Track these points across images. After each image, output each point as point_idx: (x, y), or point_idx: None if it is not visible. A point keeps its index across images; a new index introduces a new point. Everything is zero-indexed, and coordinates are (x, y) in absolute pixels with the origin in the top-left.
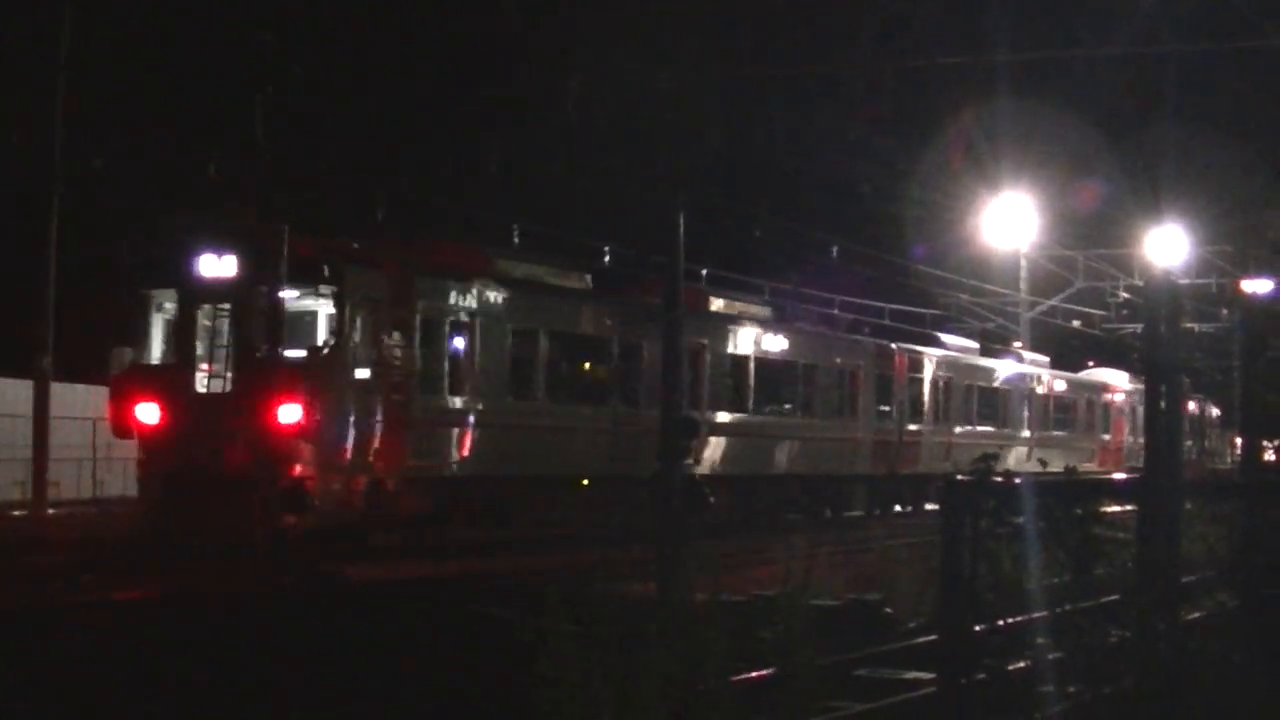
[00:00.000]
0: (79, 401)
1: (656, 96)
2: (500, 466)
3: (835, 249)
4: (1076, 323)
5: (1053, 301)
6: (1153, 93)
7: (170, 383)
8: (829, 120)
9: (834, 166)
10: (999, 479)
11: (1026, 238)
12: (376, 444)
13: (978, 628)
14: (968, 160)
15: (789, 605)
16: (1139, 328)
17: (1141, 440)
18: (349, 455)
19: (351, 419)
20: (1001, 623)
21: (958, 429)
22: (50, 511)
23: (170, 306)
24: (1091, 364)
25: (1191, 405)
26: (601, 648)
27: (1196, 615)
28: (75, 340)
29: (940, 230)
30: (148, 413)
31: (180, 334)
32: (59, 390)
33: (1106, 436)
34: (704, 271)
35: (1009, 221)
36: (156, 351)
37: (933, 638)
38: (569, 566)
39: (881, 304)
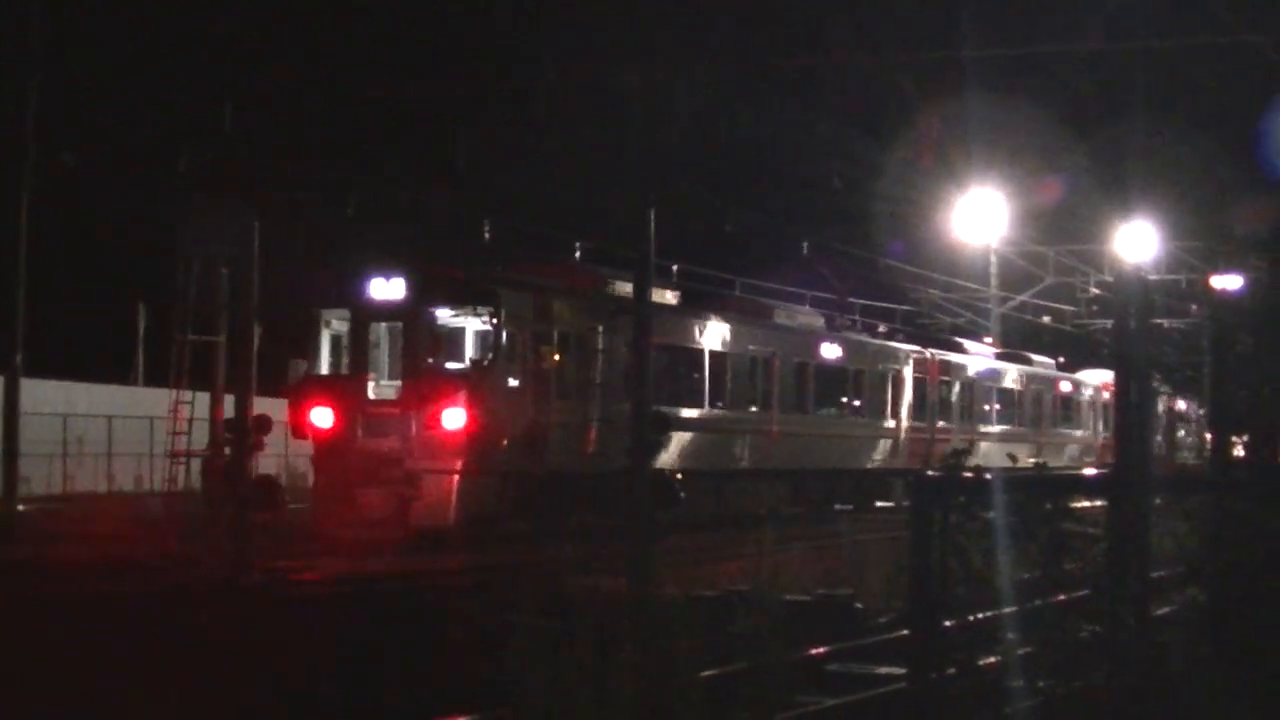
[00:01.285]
0: (48, 397)
1: (626, 92)
2: (618, 463)
3: (806, 244)
4: (1047, 318)
5: (1023, 297)
6: (1122, 89)
7: (344, 391)
8: (800, 115)
9: (805, 162)
10: (969, 474)
11: (997, 233)
12: (523, 445)
13: (948, 623)
14: (938, 156)
15: (760, 600)
16: (1109, 323)
17: None
18: (503, 454)
19: (505, 423)
20: (972, 618)
21: (981, 427)
22: (20, 508)
23: (337, 324)
24: (1091, 366)
25: (1162, 400)
26: (574, 643)
27: (1166, 610)
28: (44, 335)
29: (911, 225)
30: (323, 417)
31: (354, 348)
32: (28, 386)
33: (1107, 433)
34: (745, 281)
35: (979, 217)
36: (325, 363)
37: (903, 633)
38: (542, 563)
39: (853, 300)
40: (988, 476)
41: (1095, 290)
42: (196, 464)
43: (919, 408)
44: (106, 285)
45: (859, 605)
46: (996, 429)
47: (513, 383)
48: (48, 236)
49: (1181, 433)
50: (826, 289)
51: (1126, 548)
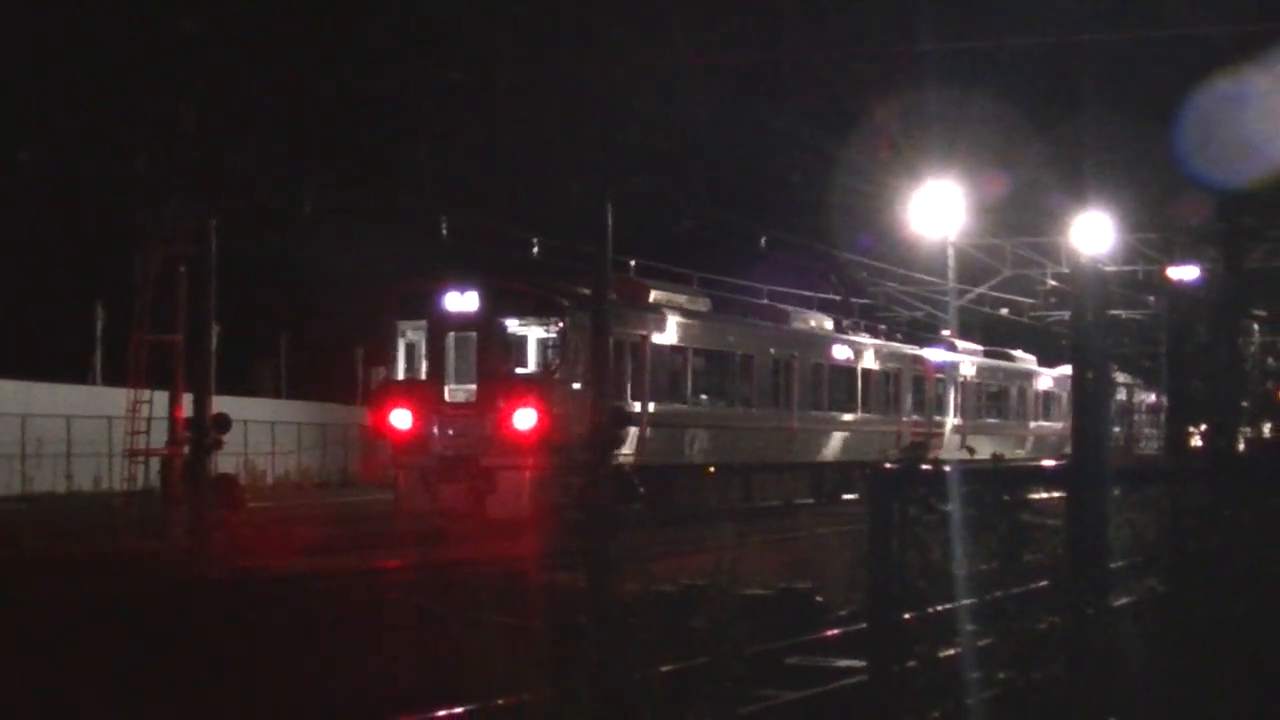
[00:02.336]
0: (6, 397)
1: (584, 86)
2: (667, 456)
3: (764, 239)
4: (1005, 311)
5: (981, 289)
6: (1076, 82)
7: (423, 394)
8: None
9: (762, 156)
10: (926, 466)
11: (954, 226)
12: (584, 441)
13: (907, 615)
14: (895, 149)
15: (719, 595)
16: (1067, 315)
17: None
18: (572, 451)
19: (570, 422)
20: (931, 610)
21: (973, 421)
22: None
23: (412, 335)
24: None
25: (1120, 392)
26: (533, 638)
27: (1125, 601)
28: (2, 336)
29: (868, 219)
30: (402, 419)
31: (431, 356)
32: None
33: None
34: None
35: (936, 210)
36: (401, 370)
37: (863, 625)
38: (502, 559)
39: (810, 293)
40: (945, 469)
41: (1052, 282)
42: (156, 463)
43: (918, 404)
44: (64, 285)
45: (820, 599)
46: (987, 422)
47: (576, 386)
48: (4, 236)
49: (1140, 421)
50: (806, 287)
51: (1085, 539)
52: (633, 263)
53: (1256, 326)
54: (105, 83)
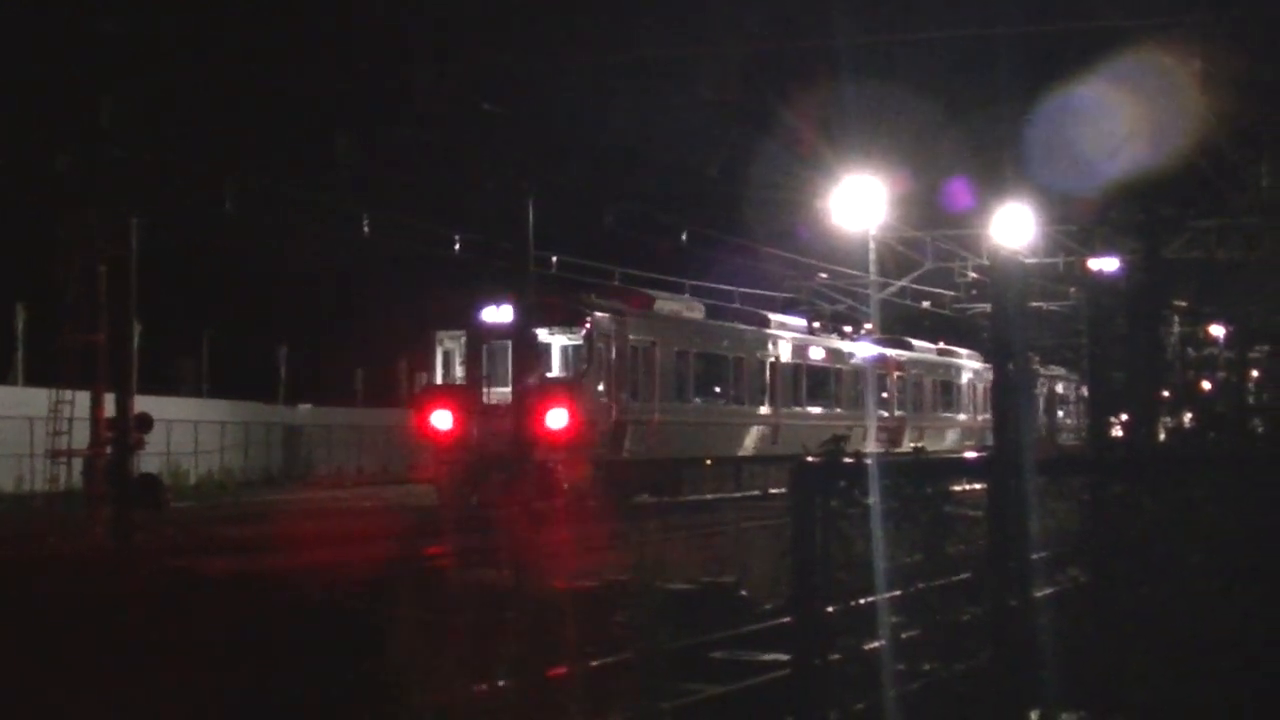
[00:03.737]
0: None
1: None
2: (672, 451)
3: (685, 234)
4: (926, 303)
5: (903, 282)
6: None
7: (462, 397)
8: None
9: (682, 150)
10: (849, 459)
11: (875, 219)
12: (607, 438)
13: (831, 608)
14: (816, 143)
15: (642, 590)
16: (988, 307)
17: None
18: (593, 446)
19: (594, 421)
20: (855, 603)
21: (930, 415)
22: None
23: (450, 344)
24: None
25: (1041, 382)
26: (454, 635)
27: (1048, 591)
28: None
29: (789, 212)
30: (443, 420)
31: (470, 362)
32: None
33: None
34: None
35: (857, 203)
36: (439, 376)
37: (787, 619)
38: (424, 555)
39: (730, 288)
40: (867, 462)
41: (974, 275)
42: (79, 463)
43: (882, 400)
44: None
45: (744, 593)
46: (944, 416)
47: (600, 388)
48: None
49: (1061, 414)
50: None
51: (1007, 530)
52: (554, 259)
53: (1176, 317)
54: (25, 82)
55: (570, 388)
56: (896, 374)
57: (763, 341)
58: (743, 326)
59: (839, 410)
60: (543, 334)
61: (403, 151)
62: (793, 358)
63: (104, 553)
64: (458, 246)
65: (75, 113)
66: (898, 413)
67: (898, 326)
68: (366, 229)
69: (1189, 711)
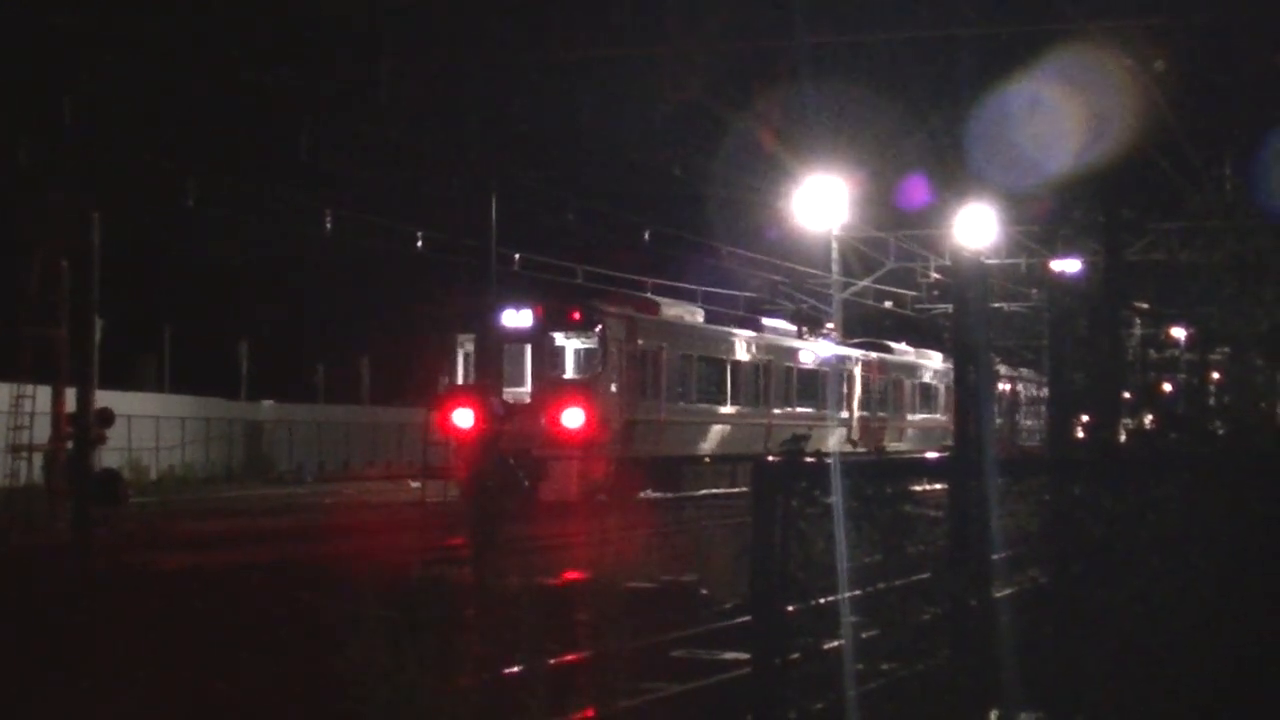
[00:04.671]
0: None
1: (467, 79)
2: (678, 449)
3: (648, 232)
4: (889, 303)
5: (865, 282)
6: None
7: (482, 397)
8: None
9: (645, 149)
10: (810, 459)
11: (838, 219)
12: (618, 436)
13: (790, 608)
14: (778, 142)
15: (603, 588)
16: (950, 308)
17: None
18: (607, 444)
19: (607, 420)
20: (815, 602)
21: (908, 415)
22: None
23: (468, 346)
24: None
25: (1003, 383)
26: (416, 633)
27: (1008, 591)
28: None
29: (753, 212)
30: (464, 418)
31: (488, 363)
32: None
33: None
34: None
35: (820, 203)
36: (459, 377)
37: (747, 618)
38: (385, 552)
39: (694, 286)
40: (828, 461)
41: (936, 275)
42: (40, 458)
43: (866, 401)
44: None
45: (704, 591)
46: (922, 416)
47: (613, 389)
48: None
49: (1022, 415)
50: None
51: (967, 530)
52: (517, 255)
53: (1138, 319)
54: None
55: (586, 388)
56: (879, 376)
57: (758, 346)
58: (739, 331)
59: (826, 411)
60: (558, 337)
61: (366, 148)
62: (784, 361)
63: (62, 548)
64: (420, 243)
65: (37, 107)
66: (879, 413)
67: (859, 327)
68: (329, 225)
69: (1148, 713)
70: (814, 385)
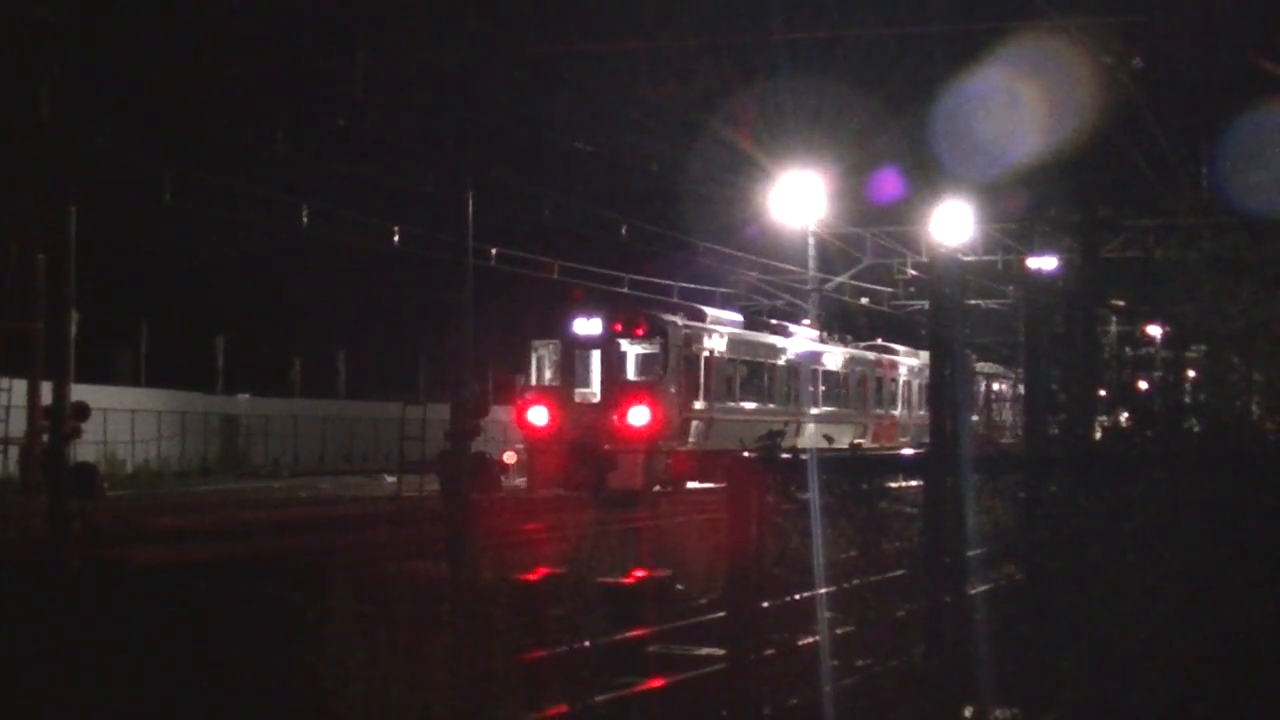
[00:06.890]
0: None
1: (442, 75)
2: (722, 444)
3: (624, 227)
4: (865, 300)
5: (841, 279)
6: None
7: (556, 397)
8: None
9: (621, 145)
10: (786, 455)
11: (814, 215)
12: (676, 432)
13: (766, 604)
14: (754, 138)
15: (578, 583)
16: (926, 304)
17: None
18: (667, 439)
19: (668, 418)
20: (790, 598)
21: (917, 413)
22: None
23: (543, 351)
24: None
25: (980, 381)
26: (390, 627)
27: (983, 588)
28: None
29: (728, 207)
30: (539, 416)
31: (563, 368)
32: None
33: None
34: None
35: (796, 199)
36: (533, 379)
37: (723, 613)
38: (359, 547)
39: (670, 282)
40: (804, 458)
41: (912, 272)
42: (15, 452)
43: (880, 400)
44: None
45: (680, 587)
46: (924, 413)
47: (673, 390)
48: None
49: (997, 411)
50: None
51: (942, 527)
52: (494, 251)
53: (1114, 316)
54: None
55: (651, 389)
56: (890, 377)
57: (788, 349)
58: (773, 337)
59: (848, 410)
60: (623, 344)
61: (341, 143)
62: (810, 363)
63: (36, 542)
64: (397, 239)
65: (12, 100)
66: (891, 411)
67: (835, 323)
68: (305, 220)
69: (1121, 709)
70: (836, 386)
